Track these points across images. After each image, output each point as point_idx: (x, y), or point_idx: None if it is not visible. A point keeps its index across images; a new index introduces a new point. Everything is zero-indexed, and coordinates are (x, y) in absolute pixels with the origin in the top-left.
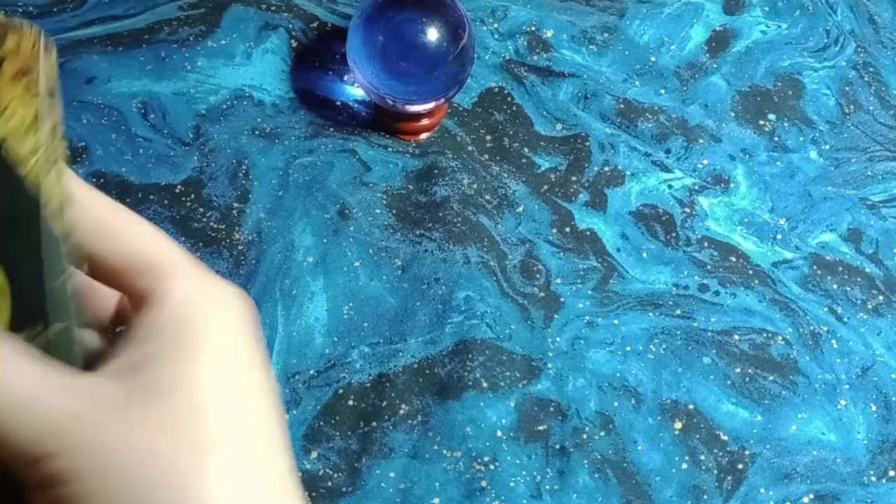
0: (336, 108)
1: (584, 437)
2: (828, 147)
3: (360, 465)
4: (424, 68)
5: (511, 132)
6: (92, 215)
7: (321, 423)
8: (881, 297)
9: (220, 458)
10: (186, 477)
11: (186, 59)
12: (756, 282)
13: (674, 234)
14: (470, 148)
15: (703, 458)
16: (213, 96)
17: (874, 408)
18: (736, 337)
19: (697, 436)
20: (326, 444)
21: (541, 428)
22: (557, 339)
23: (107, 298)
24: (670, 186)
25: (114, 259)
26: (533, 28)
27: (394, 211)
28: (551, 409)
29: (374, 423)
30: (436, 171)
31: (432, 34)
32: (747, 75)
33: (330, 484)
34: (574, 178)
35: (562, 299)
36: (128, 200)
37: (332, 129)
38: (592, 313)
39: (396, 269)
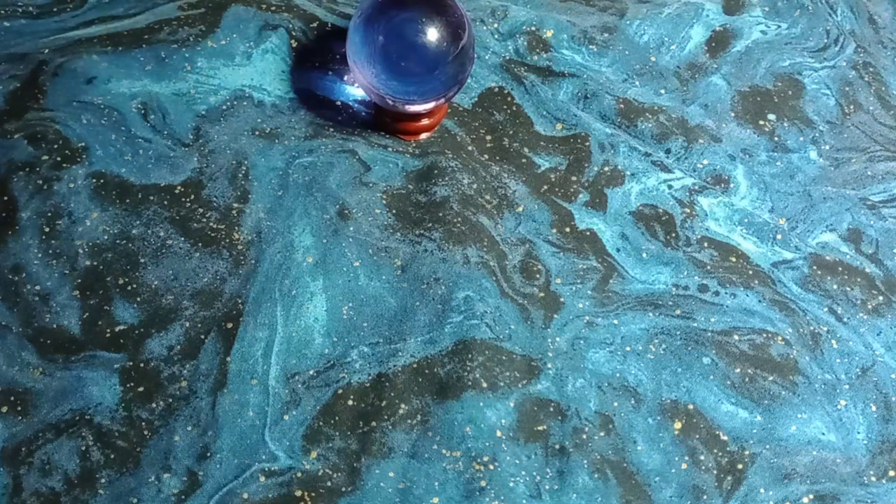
0: (336, 108)
1: (584, 437)
2: (828, 147)
3: (359, 464)
4: (424, 68)
5: (511, 132)
6: None
7: (321, 423)
8: (881, 298)
9: None
10: None
11: (186, 59)
12: (756, 282)
13: (674, 235)
14: (470, 148)
15: (702, 458)
16: (213, 97)
17: (874, 408)
18: (736, 337)
19: (697, 436)
20: (326, 444)
21: (540, 428)
22: (557, 339)
23: None
24: (670, 186)
25: None
26: (533, 28)
27: (393, 211)
28: (551, 409)
29: (374, 423)
30: (436, 171)
31: (432, 34)
32: (747, 75)
33: (329, 484)
34: (574, 178)
35: (561, 299)
36: (128, 201)
37: (332, 129)
38: (592, 313)
39: (396, 269)
